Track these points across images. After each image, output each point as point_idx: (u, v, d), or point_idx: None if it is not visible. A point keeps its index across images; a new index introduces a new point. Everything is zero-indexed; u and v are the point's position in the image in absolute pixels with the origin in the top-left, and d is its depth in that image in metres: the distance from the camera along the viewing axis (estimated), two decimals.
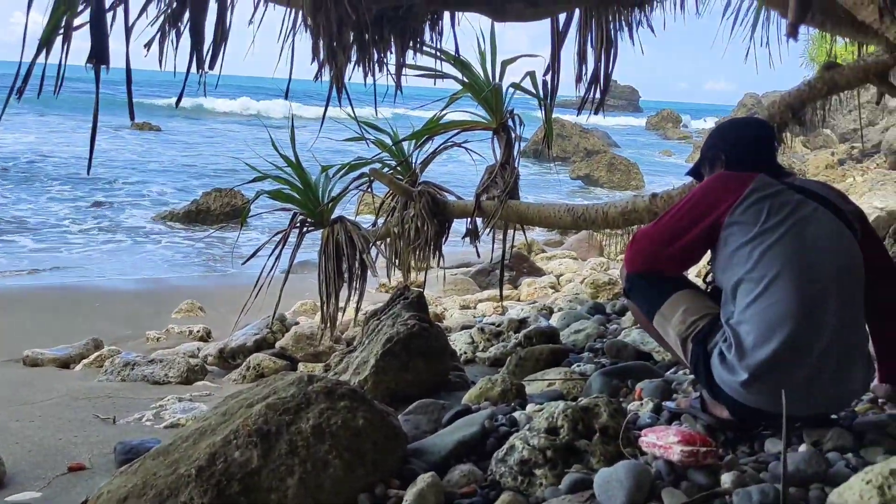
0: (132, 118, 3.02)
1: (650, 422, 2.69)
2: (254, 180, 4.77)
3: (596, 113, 4.60)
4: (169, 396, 4.43)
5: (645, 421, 2.70)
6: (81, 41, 3.00)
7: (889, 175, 13.55)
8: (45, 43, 2.94)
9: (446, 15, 3.81)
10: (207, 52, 3.43)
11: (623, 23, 4.33)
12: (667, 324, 2.43)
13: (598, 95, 4.60)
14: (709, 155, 2.62)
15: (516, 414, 3.02)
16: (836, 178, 16.33)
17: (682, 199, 2.46)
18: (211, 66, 3.51)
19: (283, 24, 3.32)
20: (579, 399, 3.00)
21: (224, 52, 3.50)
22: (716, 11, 4.75)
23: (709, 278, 2.56)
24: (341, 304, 4.87)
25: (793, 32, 2.10)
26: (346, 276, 4.81)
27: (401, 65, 3.67)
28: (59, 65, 3.03)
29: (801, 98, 3.28)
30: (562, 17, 4.39)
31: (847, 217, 2.32)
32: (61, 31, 2.96)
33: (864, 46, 3.75)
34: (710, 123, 44.74)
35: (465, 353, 4.86)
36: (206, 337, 6.83)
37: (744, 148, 2.50)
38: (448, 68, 4.56)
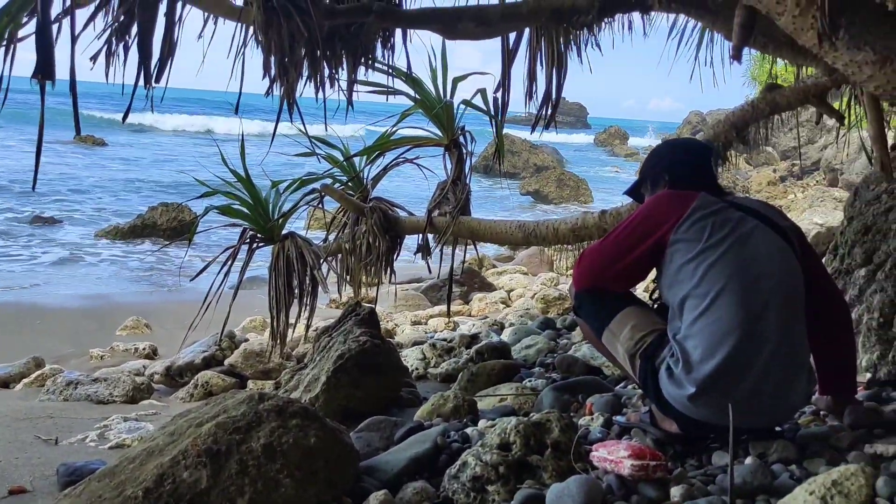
0: (78, 132, 2.96)
1: (601, 436, 2.72)
2: (203, 195, 4.71)
3: (547, 130, 4.65)
4: (114, 416, 4.32)
5: (596, 436, 2.73)
6: (24, 52, 2.94)
7: (828, 192, 13.98)
8: None
9: (398, 32, 3.83)
10: (155, 66, 3.39)
11: (572, 42, 4.40)
12: (615, 340, 2.46)
13: (548, 113, 4.66)
14: (650, 175, 2.67)
15: (469, 430, 3.02)
16: (778, 195, 16.79)
17: (627, 218, 2.50)
18: (158, 80, 3.47)
19: (233, 40, 3.30)
20: (531, 414, 3.02)
21: (171, 66, 3.47)
22: (662, 31, 4.87)
23: (655, 295, 2.61)
24: (291, 321, 4.83)
25: (737, 56, 2.17)
26: (296, 292, 4.78)
27: (352, 81, 3.67)
28: (1, 78, 2.96)
29: (745, 118, 3.38)
30: (512, 35, 4.45)
31: (785, 233, 2.39)
32: (4, 43, 2.90)
33: (804, 68, 3.87)
34: (656, 140, 45.57)
35: (417, 369, 4.85)
36: (152, 354, 6.70)
37: (686, 168, 2.56)
38: (400, 85, 4.58)
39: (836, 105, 3.86)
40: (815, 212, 10.12)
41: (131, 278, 10.33)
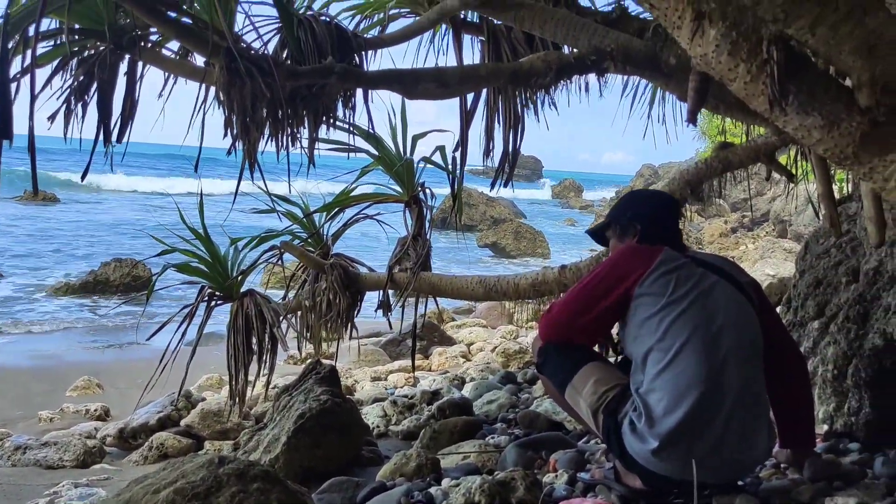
0: (35, 191, 2.93)
1: (565, 494, 2.71)
2: (161, 253, 4.65)
3: (505, 186, 4.73)
4: (64, 482, 4.18)
5: (560, 493, 2.72)
6: None
7: (778, 243, 14.32)
8: None
9: (359, 91, 3.88)
10: (115, 125, 3.38)
11: (529, 101, 4.49)
12: (578, 396, 2.47)
13: (506, 170, 4.73)
14: (621, 222, 2.70)
15: (433, 490, 2.99)
16: (730, 246, 17.14)
17: (592, 271, 2.54)
18: (118, 140, 3.45)
19: (196, 99, 3.31)
20: (495, 472, 3.01)
21: (132, 125, 3.47)
22: (616, 87, 5.00)
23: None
24: (250, 379, 4.76)
25: (692, 119, 2.24)
26: (255, 350, 4.71)
27: (314, 139, 3.69)
28: None
29: (699, 175, 3.48)
30: (470, 94, 4.53)
31: (745, 288, 2.45)
32: None
33: (753, 126, 4.01)
34: (610, 193, 46.39)
35: (378, 426, 4.81)
36: (104, 416, 6.52)
37: (656, 221, 2.61)
38: (361, 142, 4.62)
39: (783, 159, 3.99)
40: (767, 263, 10.36)
41: (82, 336, 10.08)
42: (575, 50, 3.64)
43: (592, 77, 3.75)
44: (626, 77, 4.63)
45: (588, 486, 2.71)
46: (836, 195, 3.55)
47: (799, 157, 4.25)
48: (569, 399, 2.52)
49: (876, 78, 1.69)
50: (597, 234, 2.89)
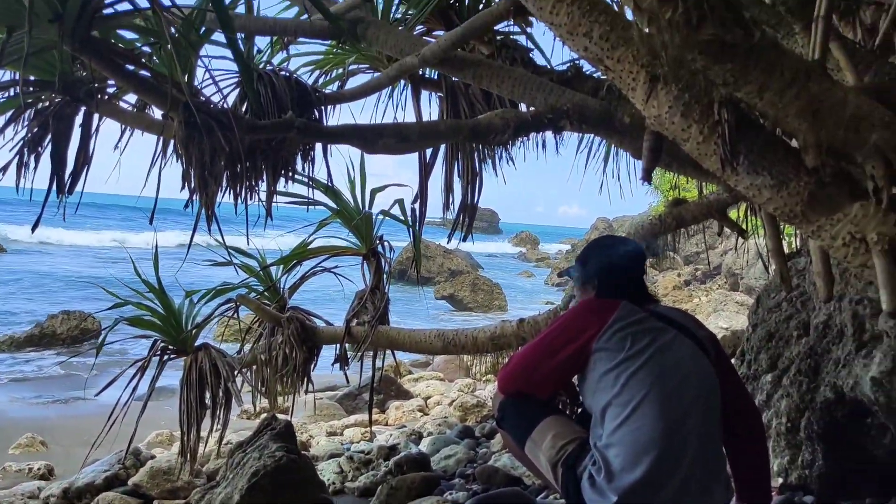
0: None
1: None
2: (113, 307, 4.56)
3: (465, 240, 4.76)
4: None
5: None
6: None
7: (730, 296, 14.57)
8: None
9: (318, 145, 3.89)
10: (69, 177, 3.33)
11: (487, 156, 4.56)
12: (537, 449, 2.46)
13: (465, 223, 4.77)
14: (581, 274, 2.71)
15: None
16: (684, 299, 17.38)
17: (551, 325, 2.55)
18: (70, 191, 3.40)
19: (154, 152, 3.29)
20: None
21: (87, 176, 3.42)
22: (572, 143, 5.11)
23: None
24: (203, 435, 4.65)
25: (647, 177, 2.30)
26: (209, 405, 4.62)
27: (272, 192, 3.69)
28: None
29: (654, 232, 3.54)
30: (429, 149, 4.59)
31: (703, 343, 2.48)
32: None
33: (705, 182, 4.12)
34: (566, 245, 46.88)
35: (334, 483, 4.71)
36: (48, 475, 6.27)
37: (616, 274, 2.63)
38: (319, 195, 4.62)
39: (733, 214, 4.09)
40: (720, 316, 10.52)
41: (26, 392, 9.75)
42: (532, 108, 3.72)
43: (549, 133, 3.83)
44: (581, 134, 4.74)
45: None
46: (786, 250, 3.64)
47: (749, 213, 4.36)
48: (528, 453, 2.51)
49: (821, 140, 1.76)
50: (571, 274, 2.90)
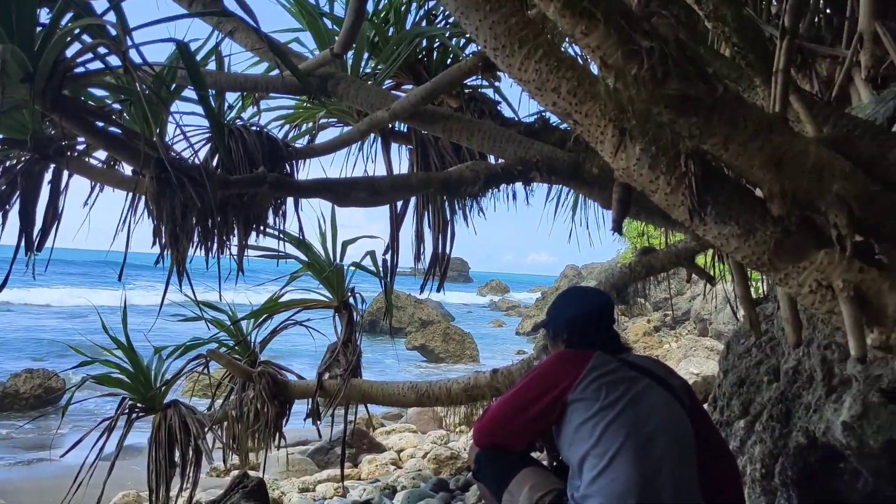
0: None
1: None
2: (79, 365, 4.48)
3: (438, 291, 4.78)
4: None
5: None
6: None
7: (700, 341, 14.66)
8: None
9: (290, 199, 3.91)
10: (37, 234, 3.30)
11: (458, 208, 4.60)
12: (514, 501, 2.45)
13: (437, 273, 4.79)
14: (552, 327, 2.73)
15: None
16: (654, 345, 17.47)
17: (525, 377, 2.56)
18: (38, 249, 3.37)
19: (123, 208, 3.27)
20: None
21: (57, 232, 3.39)
22: (541, 191, 5.19)
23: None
24: (172, 494, 4.54)
25: (617, 228, 2.33)
26: (178, 463, 4.52)
27: (243, 246, 3.68)
28: None
29: (624, 280, 3.59)
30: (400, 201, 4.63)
31: (677, 391, 2.49)
32: None
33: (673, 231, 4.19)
34: (536, 294, 47.00)
35: None
36: None
37: (585, 325, 2.65)
38: (291, 249, 4.62)
39: (700, 260, 4.16)
40: (691, 362, 10.58)
41: None
42: (501, 159, 3.78)
43: (518, 184, 3.89)
44: (550, 184, 4.81)
45: None
46: (753, 296, 3.70)
47: (716, 260, 4.44)
48: None
49: (785, 190, 1.81)
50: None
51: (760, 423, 3.45)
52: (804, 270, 1.81)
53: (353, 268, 4.87)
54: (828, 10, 3.54)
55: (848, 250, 1.74)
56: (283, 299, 4.98)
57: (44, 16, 3.00)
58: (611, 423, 2.29)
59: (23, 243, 3.25)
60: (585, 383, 2.36)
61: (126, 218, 3.40)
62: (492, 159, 4.19)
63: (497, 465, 2.54)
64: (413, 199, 4.76)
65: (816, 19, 3.32)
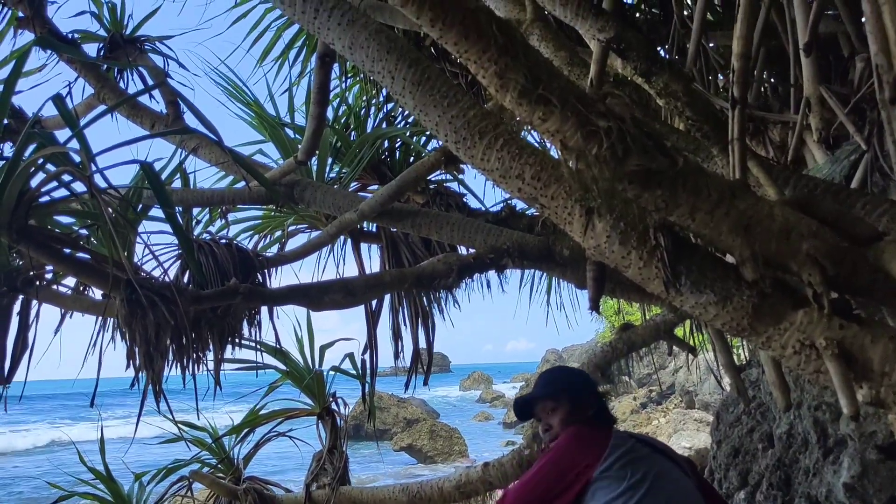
0: None
1: None
2: (58, 500, 4.31)
3: (425, 385, 4.72)
4: None
5: None
6: None
7: (688, 414, 14.57)
8: None
9: (264, 309, 3.87)
10: (8, 369, 3.22)
11: (433, 301, 4.59)
12: None
13: (419, 370, 4.75)
14: (576, 401, 2.63)
15: None
16: (642, 422, 17.30)
17: (543, 458, 2.50)
18: (9, 381, 3.28)
19: (92, 334, 3.21)
20: None
21: (29, 364, 3.31)
22: (514, 279, 5.21)
23: None
24: None
25: (594, 307, 2.34)
26: None
27: (220, 360, 3.61)
28: None
29: (606, 358, 3.58)
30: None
31: (684, 467, 2.49)
32: None
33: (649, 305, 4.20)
34: (519, 382, 46.55)
35: None
36: None
37: (588, 398, 2.63)
38: (269, 358, 4.55)
39: (679, 332, 4.16)
40: (682, 436, 10.48)
41: None
42: (472, 249, 3.80)
43: (492, 272, 3.90)
44: (522, 269, 4.83)
45: None
46: (736, 362, 3.69)
47: (694, 330, 4.45)
48: None
49: (756, 254, 1.83)
50: (526, 412, 2.80)
51: (761, 493, 3.39)
52: (785, 332, 1.81)
53: (332, 372, 4.79)
54: (772, 80, 3.68)
55: (826, 308, 1.75)
56: (263, 411, 4.88)
57: (7, 149, 3.02)
58: (640, 502, 2.26)
59: None
60: (610, 462, 2.35)
61: (97, 342, 3.34)
62: (462, 250, 4.22)
63: None
64: (388, 297, 4.75)
65: (763, 88, 3.45)
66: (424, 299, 4.69)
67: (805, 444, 3.15)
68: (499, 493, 4.10)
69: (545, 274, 5.19)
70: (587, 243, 2.01)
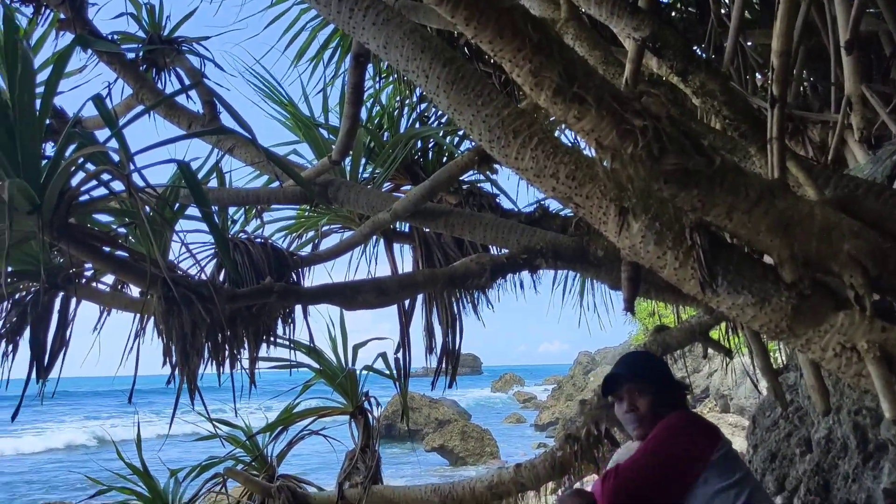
0: None
1: None
2: (96, 494, 4.38)
3: (450, 387, 4.71)
4: None
5: None
6: None
7: (723, 418, 14.39)
8: None
9: (298, 308, 3.90)
10: (47, 361, 3.28)
11: (466, 301, 4.59)
12: None
13: (448, 369, 4.74)
14: (669, 388, 2.60)
15: None
16: None
17: (654, 441, 2.43)
18: (46, 374, 3.34)
19: (130, 330, 3.26)
20: None
21: (64, 359, 3.37)
22: (547, 280, 5.19)
23: None
24: None
25: (629, 307, 2.32)
26: None
27: (254, 359, 3.64)
28: None
29: None
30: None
31: None
32: None
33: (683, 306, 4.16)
34: (551, 385, 46.32)
35: None
36: None
37: (676, 387, 2.61)
38: (302, 357, 4.58)
39: (714, 334, 4.11)
40: None
41: None
42: (505, 250, 3.79)
43: (525, 273, 3.89)
44: (556, 270, 4.81)
45: None
46: (773, 366, 3.63)
47: (730, 332, 4.39)
48: None
49: (795, 254, 1.79)
50: (612, 389, 2.68)
51: (798, 499, 3.34)
52: (825, 334, 1.78)
53: (365, 371, 4.81)
54: (812, 79, 3.63)
55: (868, 310, 1.71)
56: (297, 409, 4.91)
57: (49, 148, 3.08)
58: (753, 493, 2.29)
59: (34, 373, 3.22)
60: (724, 451, 2.35)
61: (135, 339, 3.39)
62: (494, 251, 4.21)
63: None
64: (420, 297, 4.75)
65: (802, 87, 3.39)
66: (455, 299, 4.68)
67: (844, 449, 3.09)
68: (530, 494, 4.09)
69: (578, 275, 5.16)
70: (622, 243, 1.99)
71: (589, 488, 2.47)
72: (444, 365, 4.83)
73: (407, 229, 4.91)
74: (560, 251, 3.35)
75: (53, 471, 20.85)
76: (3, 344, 3.20)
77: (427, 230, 4.65)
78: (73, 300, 3.27)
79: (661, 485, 2.39)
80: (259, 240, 4.00)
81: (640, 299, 4.82)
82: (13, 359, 3.36)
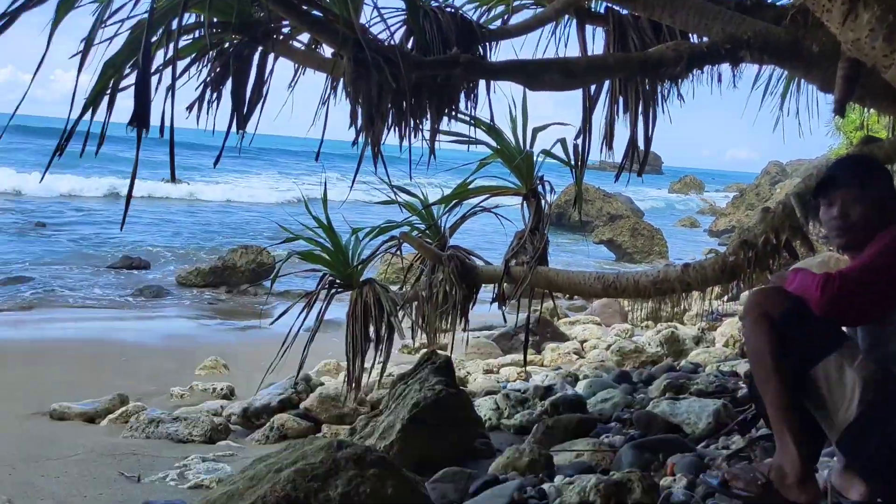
0: (173, 179, 3.07)
1: (684, 499, 2.63)
2: (285, 241, 4.80)
3: (640, 175, 4.59)
4: (193, 455, 4.38)
5: (679, 497, 2.64)
6: (122, 101, 3.04)
7: None
8: (91, 104, 3.01)
9: (481, 83, 3.87)
10: (247, 114, 3.50)
11: (656, 92, 4.36)
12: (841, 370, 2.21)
13: (633, 162, 4.63)
14: (858, 192, 2.30)
15: (546, 486, 2.96)
16: None
17: (885, 253, 2.24)
18: (244, 125, 3.58)
19: (323, 91, 3.39)
20: (611, 472, 2.94)
21: (261, 113, 3.59)
22: (746, 80, 4.78)
23: None
24: (366, 366, 4.85)
25: (840, 111, 2.11)
26: (372, 338, 4.80)
27: (436, 131, 3.71)
28: (104, 125, 3.09)
29: None
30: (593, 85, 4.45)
31: None
32: (108, 92, 3.03)
33: None
34: (732, 192, 44.59)
35: (490, 419, 4.79)
36: (229, 395, 6.79)
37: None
38: (481, 135, 4.61)
39: None
40: None
41: (210, 319, 10.57)
42: (706, 39, 3.51)
43: (726, 68, 3.61)
44: (758, 68, 4.44)
45: (708, 493, 2.61)
46: None
47: None
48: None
49: None
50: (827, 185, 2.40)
51: None
52: None
53: (542, 155, 4.79)
54: None
55: None
56: (472, 186, 5.03)
57: None
58: None
59: (234, 123, 3.46)
60: None
61: (325, 101, 3.53)
62: (694, 40, 3.91)
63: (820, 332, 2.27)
64: (606, 85, 4.56)
65: None
66: (643, 90, 4.45)
67: None
68: (695, 294, 4.05)
69: (785, 73, 4.74)
70: (845, 37, 1.78)
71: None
72: (630, 158, 4.71)
73: (602, 10, 4.63)
74: (769, 43, 3.04)
75: (244, 220, 23.08)
76: (209, 92, 3.44)
77: (624, 12, 4.36)
78: (271, 56, 3.42)
79: (886, 297, 2.22)
80: (449, 9, 3.93)
81: (851, 107, 4.37)
82: (217, 107, 3.61)
